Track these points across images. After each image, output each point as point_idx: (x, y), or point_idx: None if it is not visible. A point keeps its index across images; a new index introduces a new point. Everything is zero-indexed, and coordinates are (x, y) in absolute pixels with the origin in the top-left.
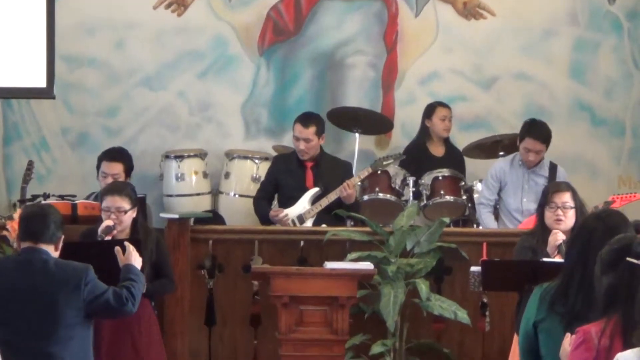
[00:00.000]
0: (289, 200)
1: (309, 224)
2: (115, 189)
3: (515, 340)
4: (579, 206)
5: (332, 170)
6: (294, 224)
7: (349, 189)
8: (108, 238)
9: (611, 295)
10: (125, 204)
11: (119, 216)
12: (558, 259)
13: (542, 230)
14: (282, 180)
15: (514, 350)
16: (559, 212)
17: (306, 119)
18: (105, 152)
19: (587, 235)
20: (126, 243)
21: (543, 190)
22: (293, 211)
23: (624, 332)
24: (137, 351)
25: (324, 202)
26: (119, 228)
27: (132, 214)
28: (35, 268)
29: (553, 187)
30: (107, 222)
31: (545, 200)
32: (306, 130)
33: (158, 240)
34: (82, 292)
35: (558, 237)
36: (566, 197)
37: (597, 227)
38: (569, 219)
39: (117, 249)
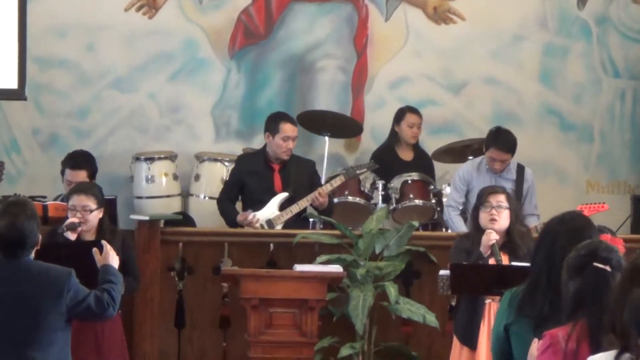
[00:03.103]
0: (255, 203)
1: (278, 229)
2: (82, 188)
3: (455, 342)
4: (514, 209)
5: (299, 171)
6: (263, 229)
7: (321, 198)
8: (72, 236)
9: (578, 299)
10: (91, 202)
11: (84, 215)
12: (518, 263)
13: (477, 231)
14: (248, 181)
15: (453, 351)
16: (494, 211)
17: (291, 117)
18: (69, 159)
19: (551, 239)
20: (103, 242)
21: (478, 193)
22: (262, 215)
23: (590, 336)
24: (100, 350)
25: (295, 208)
26: (84, 227)
27: (98, 214)
28: (17, 273)
29: (488, 189)
30: (72, 219)
31: (480, 202)
32: (296, 129)
33: (124, 240)
34: (64, 297)
35: (491, 236)
36: (501, 198)
37: (560, 230)
38: (503, 219)
39: (95, 249)
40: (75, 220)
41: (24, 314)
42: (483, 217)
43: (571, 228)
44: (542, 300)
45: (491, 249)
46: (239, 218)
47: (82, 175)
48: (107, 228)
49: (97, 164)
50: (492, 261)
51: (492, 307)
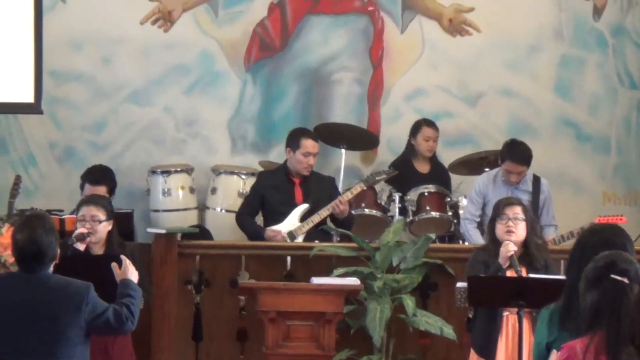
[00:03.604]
0: (275, 216)
1: (300, 240)
2: (91, 200)
3: (472, 354)
4: (530, 221)
5: (319, 186)
6: (284, 241)
7: (341, 205)
8: (81, 246)
9: (595, 311)
10: (100, 213)
11: (93, 225)
12: (529, 274)
13: (494, 244)
14: (269, 196)
15: None
16: (510, 223)
17: (313, 133)
18: (88, 174)
19: (582, 249)
20: (122, 257)
21: (494, 205)
22: (283, 228)
23: (608, 348)
24: None
25: (316, 218)
26: (92, 239)
27: (107, 225)
28: (36, 287)
29: (504, 201)
30: (82, 230)
31: (496, 214)
32: (317, 145)
33: (133, 254)
34: (83, 311)
35: (509, 247)
36: (517, 210)
37: (592, 241)
38: (520, 230)
39: (114, 264)
40: (84, 230)
41: (43, 328)
42: (499, 229)
43: (603, 238)
44: (578, 313)
45: (510, 261)
46: (270, 234)
47: (101, 191)
48: (116, 241)
49: None
50: (510, 273)
51: (509, 320)
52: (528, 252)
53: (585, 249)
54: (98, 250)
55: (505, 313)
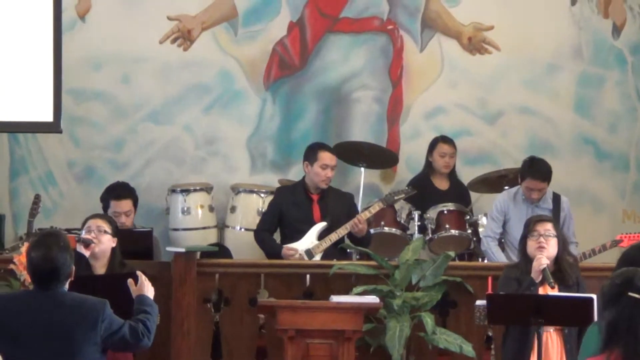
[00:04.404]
0: (294, 233)
1: (317, 258)
2: (98, 214)
3: None
4: (561, 238)
5: (337, 203)
6: (302, 259)
7: (360, 224)
8: (86, 252)
9: (612, 329)
10: (105, 225)
11: (98, 235)
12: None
13: (525, 261)
14: (288, 212)
15: None
16: (542, 239)
17: (330, 147)
18: (111, 191)
19: (629, 266)
20: (139, 273)
21: (525, 222)
22: (301, 245)
23: None
24: None
25: (334, 237)
26: (96, 249)
27: (111, 239)
28: (51, 304)
29: (535, 217)
30: (87, 235)
31: (527, 231)
32: (334, 158)
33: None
34: (99, 328)
35: (542, 261)
36: (548, 226)
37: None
38: (551, 247)
39: (130, 280)
40: (89, 237)
41: (59, 345)
42: (531, 246)
43: None
44: None
45: (542, 274)
46: (286, 252)
47: (127, 205)
48: (118, 260)
49: None
50: (543, 287)
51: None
52: (560, 269)
53: (633, 266)
54: (100, 268)
55: None
